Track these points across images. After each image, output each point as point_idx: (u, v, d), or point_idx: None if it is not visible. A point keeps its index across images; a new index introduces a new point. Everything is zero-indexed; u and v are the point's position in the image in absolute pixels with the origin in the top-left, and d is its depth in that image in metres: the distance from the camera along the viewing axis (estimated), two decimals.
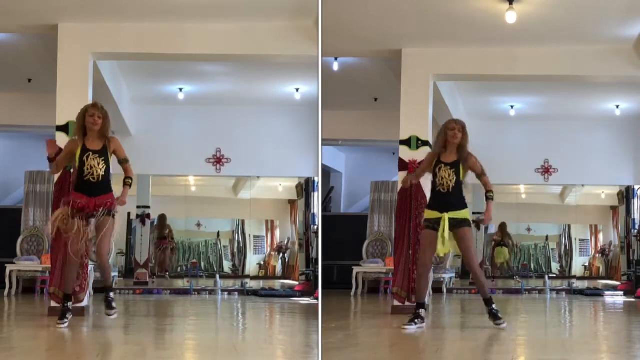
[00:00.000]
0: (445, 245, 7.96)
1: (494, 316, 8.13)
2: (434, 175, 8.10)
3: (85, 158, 7.80)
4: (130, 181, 7.99)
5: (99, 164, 7.79)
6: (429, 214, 8.10)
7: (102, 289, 8.17)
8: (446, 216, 7.97)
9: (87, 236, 7.85)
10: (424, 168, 8.36)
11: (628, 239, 15.43)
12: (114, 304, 8.00)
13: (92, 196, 7.79)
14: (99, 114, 7.92)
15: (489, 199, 8.22)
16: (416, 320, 8.06)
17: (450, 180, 8.02)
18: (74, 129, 8.09)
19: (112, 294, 8.03)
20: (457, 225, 8.02)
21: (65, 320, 7.98)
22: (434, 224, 8.03)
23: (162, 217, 14.77)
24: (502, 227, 15.55)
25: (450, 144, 8.11)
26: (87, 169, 7.77)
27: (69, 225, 7.79)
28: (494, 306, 8.15)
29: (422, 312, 8.13)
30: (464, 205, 8.10)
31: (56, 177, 9.66)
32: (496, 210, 15.67)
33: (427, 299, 10.48)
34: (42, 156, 14.99)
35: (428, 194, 10.15)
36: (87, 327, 8.57)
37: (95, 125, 7.87)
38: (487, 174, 8.25)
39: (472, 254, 8.12)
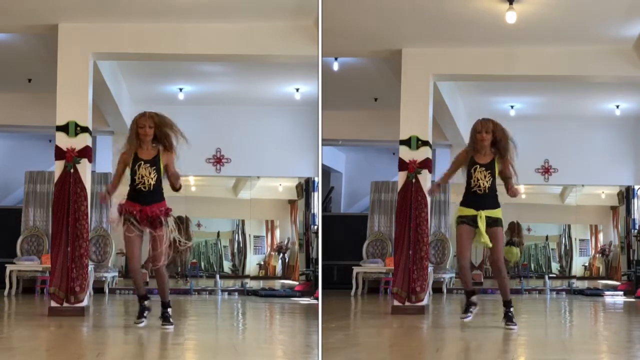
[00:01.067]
0: (484, 238, 8.01)
1: (509, 319, 8.15)
2: (469, 176, 8.12)
3: (137, 167, 7.85)
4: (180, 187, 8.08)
5: (150, 173, 7.84)
6: (465, 211, 8.12)
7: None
8: (483, 213, 8.02)
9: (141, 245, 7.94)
10: (453, 169, 8.33)
11: (628, 239, 15.43)
12: (171, 319, 7.99)
13: (145, 205, 7.84)
14: (150, 124, 7.88)
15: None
16: (471, 309, 8.19)
17: (487, 182, 8.05)
18: (127, 137, 8.03)
19: (170, 310, 8.03)
20: (491, 224, 8.07)
21: (144, 318, 7.99)
22: (470, 221, 8.06)
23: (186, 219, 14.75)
24: (513, 226, 15.53)
25: (480, 146, 8.11)
26: (138, 179, 7.83)
27: (126, 238, 7.87)
28: (511, 309, 8.20)
29: (474, 298, 8.24)
30: (498, 205, 8.14)
31: (56, 177, 9.65)
32: None
33: (428, 299, 10.51)
34: (42, 156, 15.08)
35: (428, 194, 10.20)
36: (87, 327, 8.58)
37: (146, 136, 7.87)
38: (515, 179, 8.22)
39: (502, 254, 8.18)
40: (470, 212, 8.09)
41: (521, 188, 8.58)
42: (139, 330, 7.87)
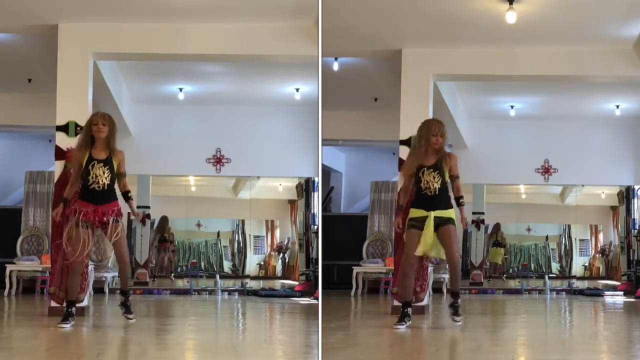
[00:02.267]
0: (427, 244, 7.94)
1: (455, 310, 8.12)
2: (417, 180, 8.06)
3: (90, 167, 7.85)
4: (131, 194, 8.08)
5: (104, 172, 7.84)
6: (416, 213, 8.07)
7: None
8: (432, 214, 7.96)
9: (90, 246, 7.96)
10: (408, 179, 8.21)
11: (628, 239, 15.43)
12: (132, 309, 8.15)
13: (98, 204, 7.85)
14: (103, 122, 7.93)
15: (460, 204, 8.11)
16: (406, 319, 8.08)
17: (437, 182, 8.01)
18: (80, 138, 8.11)
19: (130, 298, 8.19)
20: (442, 224, 8.00)
21: (68, 322, 8.03)
22: (420, 223, 8.00)
23: (164, 219, 14.77)
24: (497, 227, 15.56)
25: (433, 149, 8.07)
26: (92, 178, 7.83)
27: (75, 235, 7.85)
28: (459, 301, 8.16)
29: (409, 310, 8.15)
30: (450, 205, 8.08)
31: (56, 177, 9.64)
32: (496, 210, 15.74)
33: (428, 299, 10.51)
34: (42, 156, 15.09)
35: None
36: (87, 327, 8.57)
37: (100, 132, 7.89)
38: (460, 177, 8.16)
39: (455, 247, 8.04)
40: (420, 213, 8.02)
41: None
42: (139, 330, 7.87)
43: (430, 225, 7.93)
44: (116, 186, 8.00)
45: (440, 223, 7.98)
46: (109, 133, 7.93)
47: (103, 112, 8.08)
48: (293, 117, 14.17)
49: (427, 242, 7.95)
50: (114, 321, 9.14)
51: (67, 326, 7.97)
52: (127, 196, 8.05)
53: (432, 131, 8.04)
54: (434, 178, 7.99)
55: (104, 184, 7.85)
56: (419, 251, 7.98)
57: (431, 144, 8.02)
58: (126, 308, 8.11)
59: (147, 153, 13.80)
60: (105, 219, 7.86)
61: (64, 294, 9.36)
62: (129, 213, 14.64)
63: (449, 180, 8.09)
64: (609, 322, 10.40)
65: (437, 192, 7.99)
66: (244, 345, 7.36)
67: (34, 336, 7.68)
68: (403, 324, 8.06)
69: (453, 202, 8.11)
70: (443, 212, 8.01)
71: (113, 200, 7.95)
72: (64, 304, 9.30)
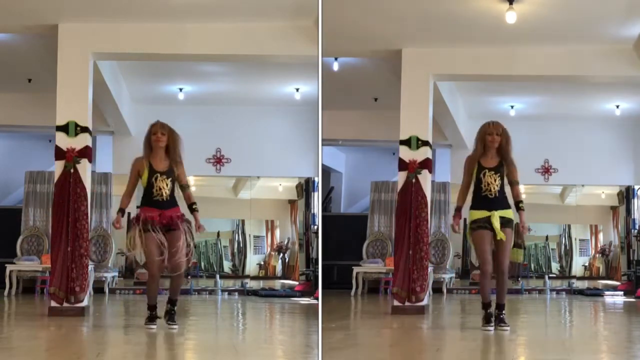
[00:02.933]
0: (500, 234, 7.94)
1: (501, 320, 8.05)
2: (478, 181, 8.07)
3: (154, 180, 7.92)
4: (196, 206, 8.12)
5: (167, 185, 7.94)
6: (477, 214, 8.06)
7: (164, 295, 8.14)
8: (496, 213, 7.98)
9: (164, 248, 7.93)
10: (467, 180, 8.22)
11: (628, 239, 15.43)
12: (175, 317, 8.05)
13: (162, 209, 7.93)
14: (162, 132, 7.98)
15: (520, 209, 8.14)
16: (492, 319, 8.04)
17: (497, 185, 8.02)
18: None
19: (176, 308, 8.10)
20: (503, 225, 8.02)
21: (155, 323, 7.98)
22: (485, 223, 8.01)
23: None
24: (517, 227, 15.54)
25: (490, 148, 8.08)
26: (156, 191, 7.92)
27: (147, 240, 7.88)
28: (504, 312, 8.09)
29: (492, 310, 8.10)
30: (509, 205, 8.10)
31: (56, 177, 9.64)
32: None
33: (428, 299, 10.51)
34: (42, 156, 15.08)
35: (428, 194, 10.21)
36: (87, 327, 8.58)
37: (159, 142, 7.94)
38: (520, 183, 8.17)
39: (507, 256, 8.06)
40: (483, 213, 8.03)
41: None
42: (139, 330, 7.87)
43: (497, 221, 7.94)
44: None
45: (502, 223, 8.00)
46: (168, 142, 7.97)
47: (162, 122, 8.06)
48: (293, 117, 14.17)
49: (499, 234, 7.93)
50: (114, 321, 9.16)
51: (154, 327, 7.92)
52: (192, 208, 8.10)
53: (488, 130, 8.08)
54: (494, 180, 8.02)
55: (167, 195, 7.94)
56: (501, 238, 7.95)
57: (487, 143, 8.05)
58: (170, 316, 8.02)
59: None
60: (169, 222, 7.90)
61: (64, 293, 9.38)
62: (129, 213, 14.78)
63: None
64: (609, 322, 10.39)
65: (497, 195, 8.03)
66: (244, 345, 7.36)
67: (34, 336, 7.69)
68: (492, 325, 8.00)
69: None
70: (505, 212, 8.05)
71: (175, 206, 8.02)
72: (64, 304, 9.34)
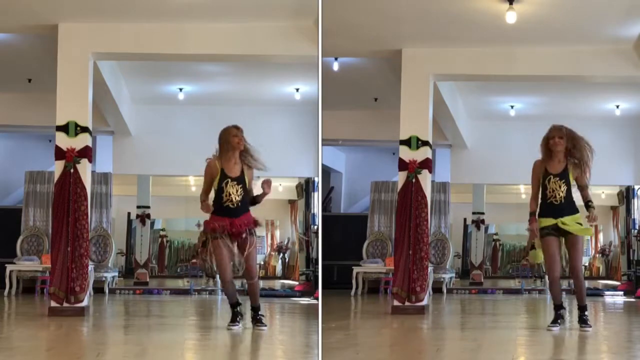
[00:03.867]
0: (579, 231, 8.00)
1: (584, 321, 8.13)
2: (544, 188, 8.08)
3: (224, 185, 7.97)
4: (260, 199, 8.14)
5: (237, 190, 7.97)
6: (545, 222, 8.09)
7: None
8: (562, 220, 8.04)
9: (235, 254, 8.00)
10: (536, 186, 8.21)
11: (628, 239, 15.43)
12: (264, 320, 8.10)
13: (233, 217, 7.95)
14: (241, 136, 8.13)
15: (590, 207, 8.24)
16: (559, 320, 8.15)
17: (562, 192, 8.03)
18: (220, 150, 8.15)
19: (260, 312, 8.14)
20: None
21: (237, 322, 8.06)
22: (553, 230, 8.05)
23: None
24: None
25: (554, 152, 8.05)
26: (226, 196, 7.95)
27: (218, 247, 7.91)
28: (586, 313, 8.17)
29: (563, 312, 8.26)
30: (577, 210, 8.13)
31: (56, 177, 9.65)
32: (496, 210, 15.74)
33: (428, 299, 10.51)
34: (42, 156, 15.08)
35: (428, 194, 10.21)
36: (87, 327, 8.58)
37: (240, 145, 8.07)
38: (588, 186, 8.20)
39: (581, 257, 8.13)
40: (550, 221, 8.06)
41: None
42: (139, 330, 7.87)
43: (568, 226, 8.00)
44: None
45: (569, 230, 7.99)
46: (245, 147, 8.09)
47: (237, 125, 8.20)
48: (293, 117, 14.17)
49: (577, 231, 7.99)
50: (114, 321, 9.15)
51: (237, 326, 8.01)
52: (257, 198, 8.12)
53: (549, 134, 8.11)
54: (559, 187, 8.06)
55: (237, 201, 7.96)
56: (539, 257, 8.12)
57: (550, 147, 8.06)
58: (257, 321, 8.06)
59: (147, 153, 13.80)
60: (240, 230, 7.94)
61: (64, 293, 9.39)
62: (129, 213, 14.80)
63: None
64: (609, 322, 10.39)
65: (562, 201, 8.06)
66: (244, 345, 7.36)
67: (34, 336, 7.69)
68: (557, 325, 8.11)
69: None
70: (573, 218, 8.09)
71: (246, 212, 8.04)
72: (64, 304, 9.34)
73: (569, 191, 8.05)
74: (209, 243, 7.94)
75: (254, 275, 8.12)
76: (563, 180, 8.03)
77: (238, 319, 8.08)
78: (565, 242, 8.11)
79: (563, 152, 8.07)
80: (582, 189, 8.20)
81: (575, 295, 8.41)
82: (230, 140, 8.06)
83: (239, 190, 7.97)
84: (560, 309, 8.24)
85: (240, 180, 8.01)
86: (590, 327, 8.11)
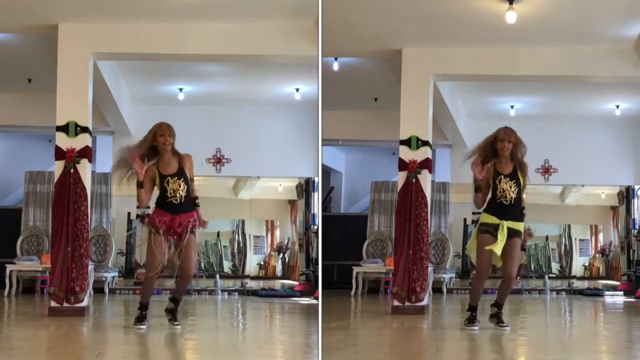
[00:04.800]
0: (498, 250, 7.93)
1: (500, 319, 8.13)
2: (494, 188, 8.03)
3: (166, 184, 7.90)
4: (198, 201, 8.09)
5: (180, 185, 7.90)
6: (488, 219, 8.05)
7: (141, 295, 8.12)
8: (505, 224, 7.95)
9: (168, 253, 7.92)
10: (487, 187, 8.13)
11: (628, 239, 15.43)
12: (178, 317, 8.08)
13: (175, 214, 7.87)
14: (169, 134, 7.99)
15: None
16: (477, 321, 8.13)
17: (513, 192, 7.99)
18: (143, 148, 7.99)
19: (177, 307, 8.10)
20: (510, 235, 7.99)
21: (144, 324, 7.97)
22: (493, 229, 7.99)
23: None
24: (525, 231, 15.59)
25: (502, 155, 8.05)
26: (170, 193, 7.88)
27: (155, 241, 7.84)
28: (502, 312, 8.17)
29: (476, 314, 8.21)
30: (522, 217, 8.09)
31: (56, 177, 9.65)
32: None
33: (428, 299, 10.51)
34: (42, 156, 15.08)
35: (428, 194, 10.21)
36: (87, 327, 8.58)
37: (166, 145, 7.93)
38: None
39: (515, 267, 8.05)
40: (493, 220, 8.01)
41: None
42: (139, 330, 7.87)
43: (503, 235, 7.92)
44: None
45: (509, 234, 7.97)
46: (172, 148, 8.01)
47: (163, 123, 8.07)
48: (293, 117, 14.17)
49: (498, 249, 7.94)
50: (114, 321, 9.15)
51: (144, 327, 7.93)
52: (195, 203, 8.07)
53: (500, 137, 8.04)
54: (510, 187, 7.99)
55: (182, 196, 7.91)
56: (496, 251, 7.95)
57: (498, 149, 8.01)
58: (172, 315, 8.03)
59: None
60: (180, 228, 7.88)
61: (64, 293, 9.39)
62: (129, 213, 14.79)
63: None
64: (609, 322, 10.40)
65: (512, 202, 8.00)
66: (244, 345, 7.36)
67: (34, 336, 7.69)
68: (476, 325, 8.08)
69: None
70: (514, 224, 8.03)
71: (190, 210, 7.97)
72: (64, 304, 9.34)
73: (519, 193, 8.02)
74: (150, 236, 7.87)
75: (187, 277, 7.99)
76: (514, 181, 8.01)
77: (144, 322, 7.97)
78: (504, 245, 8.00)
79: (509, 155, 8.03)
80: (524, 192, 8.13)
81: (497, 293, 8.30)
82: (157, 141, 7.96)
83: (182, 185, 7.89)
84: (476, 310, 8.18)
85: (180, 174, 7.93)
86: (508, 326, 8.04)
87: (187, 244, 7.85)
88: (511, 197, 7.99)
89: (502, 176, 8.01)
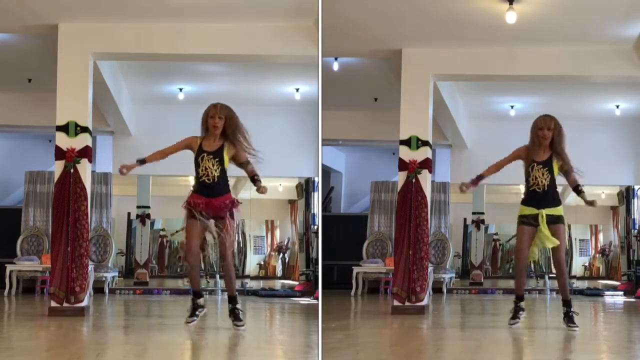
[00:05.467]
0: (547, 238, 7.94)
1: (570, 319, 8.11)
2: (527, 175, 8.05)
3: (200, 159, 7.78)
4: (258, 177, 8.02)
5: (213, 165, 7.74)
6: (525, 210, 8.06)
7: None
8: (544, 212, 7.97)
9: (203, 238, 7.79)
10: (506, 160, 8.17)
11: (628, 239, 15.43)
12: (241, 316, 7.82)
13: (209, 197, 7.72)
14: (220, 115, 7.88)
15: (580, 192, 8.20)
16: (519, 314, 8.18)
17: (545, 179, 7.99)
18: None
19: (239, 305, 7.85)
20: (552, 222, 8.00)
21: (195, 317, 7.82)
22: (531, 220, 8.02)
23: None
24: None
25: (540, 143, 8.05)
26: (202, 171, 7.73)
27: (188, 226, 7.69)
28: (572, 309, 8.15)
29: (522, 304, 8.23)
30: (559, 202, 8.09)
31: (56, 177, 9.65)
32: (496, 210, 15.74)
33: (428, 299, 10.51)
34: (42, 156, 15.09)
35: (428, 194, 10.21)
36: (87, 327, 8.58)
37: (215, 128, 7.85)
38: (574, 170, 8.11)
39: (563, 252, 8.06)
40: (531, 210, 8.03)
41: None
42: (139, 330, 7.87)
43: (544, 223, 7.94)
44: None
45: (550, 221, 7.98)
46: (224, 129, 7.90)
47: (217, 104, 8.09)
48: (293, 117, 14.17)
49: (546, 237, 7.95)
50: (114, 321, 9.15)
51: (193, 322, 7.80)
52: (255, 179, 8.06)
53: (539, 125, 8.05)
54: (542, 174, 7.99)
55: (214, 176, 7.76)
56: (548, 242, 7.97)
57: (538, 138, 8.02)
58: (234, 316, 7.80)
59: (147, 153, 13.72)
60: (217, 209, 7.71)
61: (64, 293, 9.39)
62: (129, 213, 14.79)
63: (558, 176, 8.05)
64: (609, 322, 10.39)
65: (545, 189, 8.00)
66: (244, 345, 7.36)
67: (34, 336, 7.69)
68: (518, 320, 8.17)
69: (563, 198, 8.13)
70: (553, 210, 8.04)
71: (225, 192, 7.84)
72: (64, 304, 9.34)
73: (552, 180, 8.02)
74: (185, 219, 7.70)
75: (225, 258, 7.73)
76: (547, 169, 8.01)
77: (197, 312, 7.82)
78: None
79: (549, 143, 8.04)
80: (568, 173, 8.13)
81: (559, 291, 8.32)
82: (207, 122, 7.91)
83: (216, 165, 7.75)
84: (521, 301, 8.21)
85: (217, 154, 7.79)
86: (577, 326, 8.03)
87: (224, 229, 7.66)
88: (544, 185, 7.98)
89: (535, 163, 8.01)
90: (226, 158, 7.85)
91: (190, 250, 7.73)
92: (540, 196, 8.01)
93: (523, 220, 8.06)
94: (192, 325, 7.80)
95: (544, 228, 7.94)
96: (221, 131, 7.89)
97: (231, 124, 7.90)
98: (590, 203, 8.16)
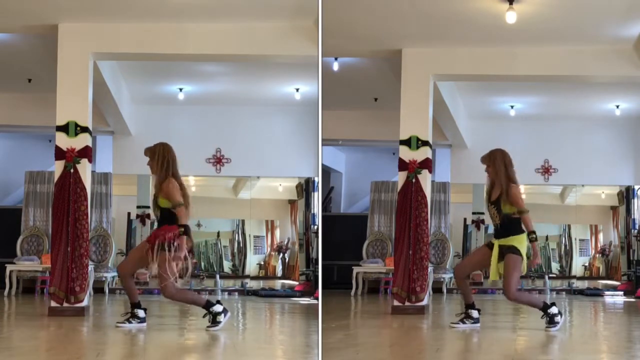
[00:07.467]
0: (492, 272, 8.20)
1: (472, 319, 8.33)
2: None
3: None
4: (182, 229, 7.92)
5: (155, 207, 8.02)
6: (493, 239, 8.26)
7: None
8: (497, 242, 8.13)
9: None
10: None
11: (628, 239, 15.43)
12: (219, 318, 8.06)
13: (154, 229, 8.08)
14: (149, 155, 8.29)
15: (531, 240, 8.15)
16: (465, 320, 8.28)
17: (497, 219, 8.11)
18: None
19: (213, 308, 8.07)
20: (505, 252, 8.09)
21: (124, 323, 8.14)
22: (492, 246, 8.21)
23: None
24: None
25: (491, 181, 8.18)
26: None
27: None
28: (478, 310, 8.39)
29: (472, 312, 8.34)
30: (511, 233, 8.07)
31: (56, 177, 9.65)
32: None
33: (428, 299, 10.52)
34: (42, 156, 15.09)
35: (428, 194, 10.22)
36: (87, 327, 8.58)
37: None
38: (528, 211, 8.12)
39: (512, 284, 8.06)
40: (493, 239, 8.24)
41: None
42: (139, 330, 7.87)
43: (495, 254, 8.12)
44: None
45: (503, 251, 8.11)
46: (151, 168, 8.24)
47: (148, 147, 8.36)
48: (293, 117, 14.18)
49: (492, 269, 8.18)
50: (114, 321, 9.12)
51: (126, 325, 8.06)
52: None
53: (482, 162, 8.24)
54: (494, 214, 8.16)
55: (157, 214, 8.02)
56: (491, 276, 8.27)
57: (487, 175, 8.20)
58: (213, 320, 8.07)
59: None
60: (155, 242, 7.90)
61: (64, 293, 9.39)
62: (129, 213, 14.79)
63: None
64: (609, 322, 10.40)
65: (499, 227, 8.14)
66: (244, 345, 7.36)
67: (34, 336, 7.69)
68: (461, 324, 8.29)
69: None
70: (504, 241, 8.12)
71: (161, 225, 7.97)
72: (64, 304, 9.35)
73: (503, 217, 8.05)
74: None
75: (159, 283, 7.99)
76: (495, 208, 8.09)
77: (218, 319, 8.01)
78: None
79: (496, 177, 8.09)
80: (520, 213, 8.09)
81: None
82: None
83: (156, 208, 8.00)
84: (471, 308, 8.33)
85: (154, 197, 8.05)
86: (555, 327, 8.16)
87: (151, 259, 7.90)
88: (497, 224, 8.16)
89: (489, 203, 8.17)
90: (158, 196, 8.06)
91: (124, 262, 8.53)
92: (496, 229, 8.18)
93: (488, 242, 8.29)
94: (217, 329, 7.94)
95: (493, 259, 8.11)
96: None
97: (155, 163, 8.39)
98: (534, 257, 8.16)
